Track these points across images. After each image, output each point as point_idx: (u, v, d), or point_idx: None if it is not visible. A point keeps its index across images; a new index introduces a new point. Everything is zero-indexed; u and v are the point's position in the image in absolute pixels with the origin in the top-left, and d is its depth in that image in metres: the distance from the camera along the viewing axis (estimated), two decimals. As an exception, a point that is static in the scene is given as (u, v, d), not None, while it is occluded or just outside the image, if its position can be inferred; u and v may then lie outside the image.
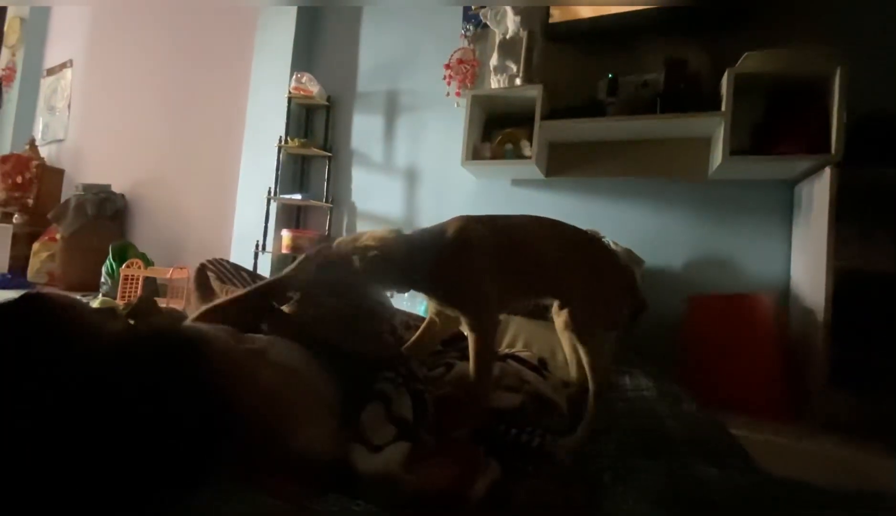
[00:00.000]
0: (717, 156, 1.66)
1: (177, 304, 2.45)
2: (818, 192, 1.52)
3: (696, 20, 1.79)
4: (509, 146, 2.00)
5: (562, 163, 2.07)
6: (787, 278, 1.73)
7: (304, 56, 2.73)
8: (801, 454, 1.19)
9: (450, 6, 2.36)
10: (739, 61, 1.62)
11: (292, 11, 2.67)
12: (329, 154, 2.61)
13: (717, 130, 1.71)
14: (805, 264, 1.60)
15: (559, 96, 1.98)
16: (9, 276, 3.13)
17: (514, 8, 1.99)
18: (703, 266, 1.87)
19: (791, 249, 1.74)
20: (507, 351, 1.10)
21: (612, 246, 1.72)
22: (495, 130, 2.10)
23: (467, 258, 0.79)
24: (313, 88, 2.52)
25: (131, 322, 0.62)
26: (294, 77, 2.52)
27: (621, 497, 0.67)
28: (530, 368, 0.96)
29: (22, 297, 0.51)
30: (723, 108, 1.62)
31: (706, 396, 1.24)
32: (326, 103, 2.63)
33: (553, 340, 1.35)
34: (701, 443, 0.88)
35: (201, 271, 1.40)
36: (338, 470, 0.60)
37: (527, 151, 1.96)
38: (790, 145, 1.56)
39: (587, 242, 0.92)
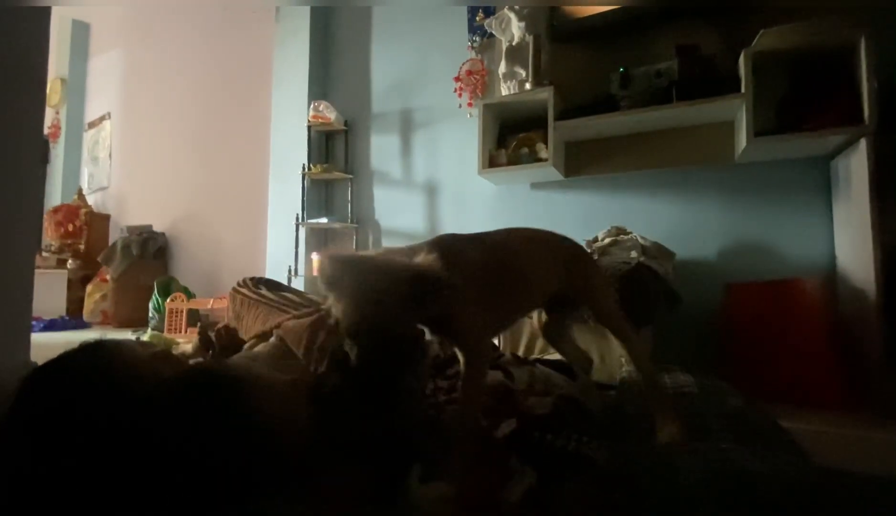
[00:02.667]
0: (742, 138, 1.61)
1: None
2: (855, 166, 1.45)
3: (703, 3, 1.76)
4: (525, 150, 2.01)
5: (580, 162, 2.06)
6: (831, 259, 1.65)
7: (320, 85, 2.83)
8: (861, 443, 1.12)
9: (456, 9, 2.39)
10: (755, 40, 1.57)
11: (305, 43, 2.78)
12: (350, 176, 2.68)
13: (739, 112, 1.66)
14: (849, 242, 1.53)
15: (571, 95, 1.97)
16: (67, 318, 3.34)
17: (517, 13, 2.00)
18: (738, 253, 1.80)
19: (833, 228, 1.65)
20: (535, 356, 1.10)
21: (641, 240, 1.69)
22: (510, 136, 2.10)
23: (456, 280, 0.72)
24: (330, 115, 2.60)
25: (184, 362, 0.66)
26: (312, 106, 2.62)
27: (662, 498, 0.66)
28: (559, 371, 0.95)
29: (82, 346, 0.55)
30: (742, 90, 1.57)
31: (752, 389, 1.20)
32: (344, 128, 2.71)
33: (584, 341, 1.33)
34: (748, 438, 0.85)
35: (233, 297, 1.45)
36: (377, 490, 0.62)
37: (543, 154, 1.96)
38: (820, 120, 1.50)
39: (566, 241, 0.93)
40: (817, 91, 1.55)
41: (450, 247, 0.74)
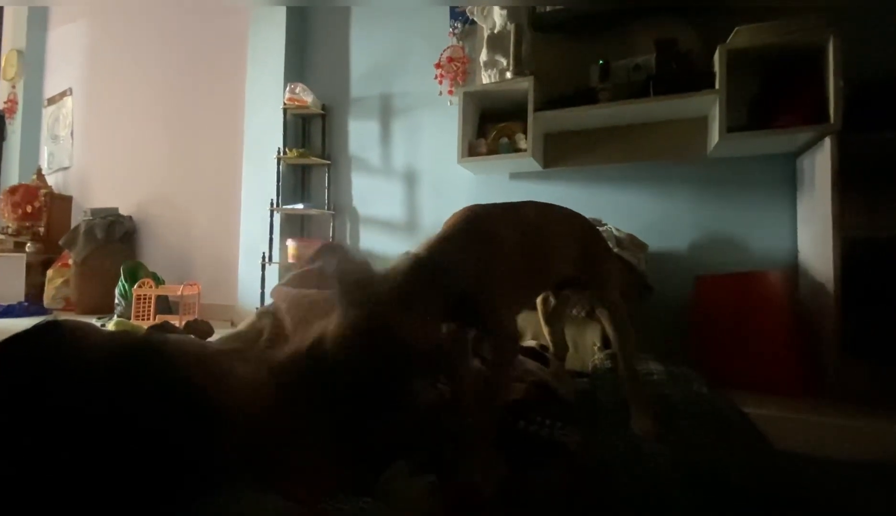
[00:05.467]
0: (715, 134, 1.65)
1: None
2: (820, 163, 1.50)
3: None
4: (505, 140, 2.00)
5: (559, 154, 2.07)
6: (794, 252, 1.72)
7: (296, 66, 2.75)
8: (819, 428, 1.18)
9: (437, 5, 2.36)
10: (730, 37, 1.60)
11: (281, 23, 2.69)
12: (328, 162, 2.63)
13: (712, 108, 1.69)
14: (811, 236, 1.59)
15: (551, 86, 1.97)
16: (26, 304, 3.19)
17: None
18: (708, 246, 1.86)
19: (797, 222, 1.72)
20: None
21: (615, 232, 1.71)
22: (490, 125, 2.10)
23: (487, 256, 0.68)
24: (307, 98, 2.53)
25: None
26: (288, 88, 2.54)
27: (632, 482, 0.68)
28: (532, 357, 0.96)
29: (36, 326, 0.53)
30: (717, 86, 1.60)
31: (718, 377, 1.24)
32: (322, 111, 2.64)
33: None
34: (713, 424, 0.88)
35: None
36: (351, 476, 0.61)
37: (522, 144, 1.96)
38: (788, 117, 1.54)
39: (586, 222, 0.93)
40: (787, 89, 1.59)
41: (480, 223, 0.70)
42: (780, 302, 1.52)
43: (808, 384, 1.44)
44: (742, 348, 1.51)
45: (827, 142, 1.44)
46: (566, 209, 0.92)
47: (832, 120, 1.45)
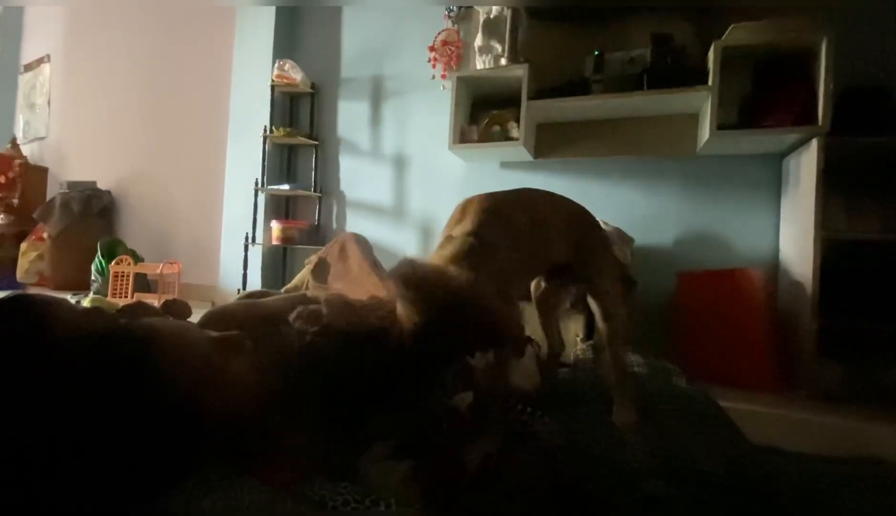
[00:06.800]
0: (705, 131, 1.65)
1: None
2: (805, 164, 1.52)
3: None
4: (497, 128, 1.98)
5: (550, 144, 2.06)
6: (775, 251, 1.74)
7: (286, 43, 2.67)
8: (792, 423, 1.21)
9: (432, 5, 2.31)
10: (725, 34, 1.59)
11: (272, -4, 2.61)
12: (315, 142, 2.57)
13: (704, 105, 1.70)
14: (793, 236, 1.61)
15: (546, 75, 1.95)
16: (-3, 278, 3.10)
17: (497, -15, 1.95)
18: (692, 242, 1.87)
19: (780, 222, 1.74)
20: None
21: (602, 225, 1.72)
22: (483, 112, 2.07)
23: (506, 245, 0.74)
24: (296, 75, 2.47)
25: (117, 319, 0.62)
26: (276, 64, 2.47)
27: (609, 470, 0.68)
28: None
29: (3, 299, 0.51)
30: (710, 83, 1.60)
31: (697, 371, 1.26)
32: (311, 90, 2.58)
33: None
34: (690, 416, 0.89)
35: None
36: (332, 462, 0.60)
37: (514, 133, 1.94)
38: (777, 118, 1.55)
39: (584, 213, 0.94)
40: (778, 89, 1.60)
41: (500, 212, 0.75)
42: (759, 299, 1.54)
43: (784, 381, 1.47)
44: (720, 344, 1.53)
45: (814, 143, 1.46)
46: (562, 198, 0.93)
47: (820, 122, 1.46)
